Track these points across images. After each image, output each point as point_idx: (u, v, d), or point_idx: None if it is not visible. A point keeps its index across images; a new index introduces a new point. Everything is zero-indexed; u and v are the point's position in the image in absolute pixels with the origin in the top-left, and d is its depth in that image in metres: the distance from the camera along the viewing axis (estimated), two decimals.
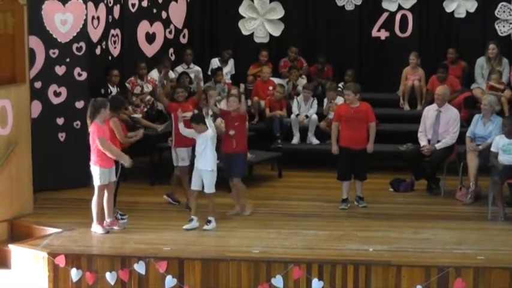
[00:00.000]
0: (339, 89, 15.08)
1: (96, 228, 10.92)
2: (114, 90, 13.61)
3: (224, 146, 11.71)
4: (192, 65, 15.48)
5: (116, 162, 11.08)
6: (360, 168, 12.12)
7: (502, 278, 9.57)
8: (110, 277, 10.03)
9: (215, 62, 15.82)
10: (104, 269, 10.03)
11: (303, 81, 15.61)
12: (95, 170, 10.86)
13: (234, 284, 9.87)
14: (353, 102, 12.03)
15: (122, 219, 11.35)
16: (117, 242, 10.52)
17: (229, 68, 15.89)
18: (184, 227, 11.03)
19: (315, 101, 14.80)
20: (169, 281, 9.95)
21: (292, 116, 14.70)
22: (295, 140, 14.67)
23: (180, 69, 15.31)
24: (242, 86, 12.73)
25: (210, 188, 11.09)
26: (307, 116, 14.63)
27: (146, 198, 12.53)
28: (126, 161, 10.85)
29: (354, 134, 11.99)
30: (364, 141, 12.03)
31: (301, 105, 14.77)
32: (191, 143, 11.68)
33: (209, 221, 11.07)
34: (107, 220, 11.00)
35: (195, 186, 11.16)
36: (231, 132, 11.63)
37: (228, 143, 11.67)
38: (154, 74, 14.68)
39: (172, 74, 15.08)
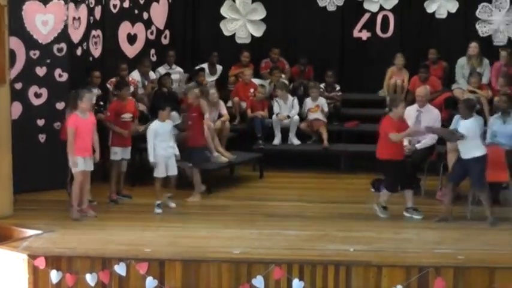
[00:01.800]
0: (321, 89, 15.11)
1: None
2: (95, 91, 13.55)
3: (203, 139, 12.61)
4: (174, 66, 15.47)
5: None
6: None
7: (481, 277, 9.59)
8: (90, 279, 9.98)
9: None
10: (84, 271, 9.97)
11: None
12: (69, 157, 11.35)
13: (215, 284, 9.85)
14: None
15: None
16: (97, 244, 10.48)
17: (216, 77, 15.89)
18: (158, 211, 11.85)
19: (295, 101, 14.81)
20: (150, 282, 9.91)
21: (274, 116, 14.69)
22: (277, 140, 14.66)
23: (162, 70, 15.30)
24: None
25: (176, 170, 12.08)
26: (288, 117, 14.63)
27: (127, 199, 12.49)
28: (74, 164, 11.28)
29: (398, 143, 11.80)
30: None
31: (282, 106, 14.77)
32: (128, 143, 12.45)
33: (170, 197, 12.10)
34: (83, 206, 11.48)
35: (163, 173, 11.98)
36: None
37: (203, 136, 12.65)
38: (135, 75, 14.65)
39: (153, 75, 15.05)
